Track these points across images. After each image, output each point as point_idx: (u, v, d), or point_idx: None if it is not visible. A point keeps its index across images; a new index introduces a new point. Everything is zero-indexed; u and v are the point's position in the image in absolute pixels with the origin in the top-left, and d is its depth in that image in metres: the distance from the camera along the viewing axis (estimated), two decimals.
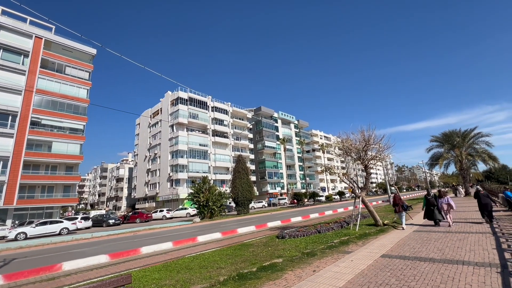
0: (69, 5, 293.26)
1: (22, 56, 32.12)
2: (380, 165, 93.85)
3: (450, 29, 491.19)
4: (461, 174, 34.46)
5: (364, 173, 13.18)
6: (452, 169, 49.27)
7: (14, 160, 29.38)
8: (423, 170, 64.07)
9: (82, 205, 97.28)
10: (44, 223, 22.76)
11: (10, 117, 29.99)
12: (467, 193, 31.72)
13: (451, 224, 10.81)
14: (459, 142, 32.08)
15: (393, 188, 41.61)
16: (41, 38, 33.88)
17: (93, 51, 38.45)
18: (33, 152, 31.24)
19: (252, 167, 61.76)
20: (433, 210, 11.42)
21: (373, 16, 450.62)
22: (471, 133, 32.17)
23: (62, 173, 34.06)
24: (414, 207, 20.31)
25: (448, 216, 11.01)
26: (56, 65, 34.99)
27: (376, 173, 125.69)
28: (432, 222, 11.60)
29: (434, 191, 23.98)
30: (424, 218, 12.12)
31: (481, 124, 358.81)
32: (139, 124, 65.42)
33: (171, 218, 35.81)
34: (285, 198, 53.93)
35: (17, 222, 28.07)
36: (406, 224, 11.61)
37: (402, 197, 16.54)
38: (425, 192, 25.73)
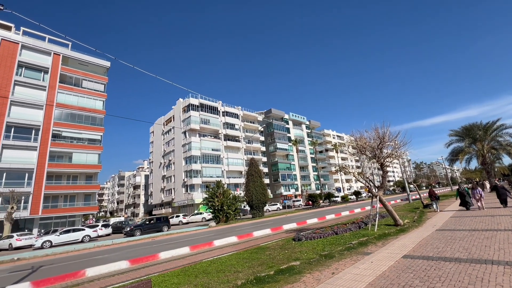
0: (82, 20, 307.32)
1: (42, 73, 33.95)
2: (396, 163, 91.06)
3: (468, 19, 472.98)
4: (484, 169, 32.81)
5: (380, 172, 12.85)
6: (474, 164, 47.14)
7: (38, 171, 30.90)
8: (443, 166, 61.54)
9: (102, 213, 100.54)
10: (68, 231, 23.67)
11: (33, 131, 31.67)
12: (492, 189, 30.24)
13: (483, 208, 14.35)
14: (481, 136, 30.58)
15: (411, 186, 40.24)
16: (59, 55, 35.69)
17: (107, 63, 40.01)
18: (55, 163, 32.74)
19: (265, 169, 61.65)
20: (464, 199, 15.28)
21: (386, 16, 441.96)
22: (494, 125, 30.58)
23: (83, 182, 35.43)
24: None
25: (480, 203, 14.49)
26: (73, 79, 36.69)
27: (393, 171, 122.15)
28: (464, 208, 15.43)
29: (466, 186, 25.39)
30: (459, 206, 15.99)
31: (505, 115, 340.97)
32: (153, 132, 67.12)
33: (187, 223, 36.30)
34: (300, 200, 53.29)
35: (42, 230, 29.39)
36: (441, 211, 15.87)
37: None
38: (456, 187, 32.71)
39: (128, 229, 25.45)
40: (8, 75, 31.04)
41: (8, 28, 33.32)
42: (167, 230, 26.40)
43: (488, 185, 31.21)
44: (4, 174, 28.87)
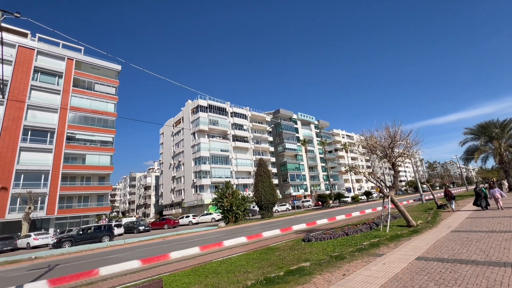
0: (93, 25, 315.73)
1: (57, 77, 35.13)
2: (408, 163, 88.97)
3: (482, 14, 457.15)
4: (502, 168, 31.66)
5: (392, 171, 12.59)
6: (491, 163, 45.59)
7: (53, 173, 31.94)
8: (458, 165, 59.73)
9: (115, 213, 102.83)
10: None
11: (48, 134, 32.78)
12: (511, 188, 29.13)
13: (502, 208, 13.93)
14: (497, 133, 29.52)
15: (424, 185, 39.26)
16: (72, 59, 36.82)
17: (118, 67, 40.96)
18: (69, 165, 33.78)
19: (274, 170, 61.50)
20: (478, 199, 15.04)
21: (393, 15, 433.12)
22: (511, 123, 29.51)
23: (96, 183, 36.38)
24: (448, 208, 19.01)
25: (498, 203, 14.26)
26: (86, 83, 37.78)
27: (405, 171, 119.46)
28: (480, 209, 15.11)
29: (483, 185, 24.43)
30: (473, 205, 15.82)
31: None
32: (162, 133, 68.17)
33: (197, 223, 36.63)
34: (309, 200, 52.89)
35: (58, 230, 30.32)
36: (456, 211, 15.69)
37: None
38: (472, 187, 33.46)
39: (56, 240, 21.01)
40: (25, 80, 32.26)
41: (25, 35, 34.62)
42: (109, 241, 21.63)
43: (506, 185, 30.13)
44: (22, 176, 29.99)
